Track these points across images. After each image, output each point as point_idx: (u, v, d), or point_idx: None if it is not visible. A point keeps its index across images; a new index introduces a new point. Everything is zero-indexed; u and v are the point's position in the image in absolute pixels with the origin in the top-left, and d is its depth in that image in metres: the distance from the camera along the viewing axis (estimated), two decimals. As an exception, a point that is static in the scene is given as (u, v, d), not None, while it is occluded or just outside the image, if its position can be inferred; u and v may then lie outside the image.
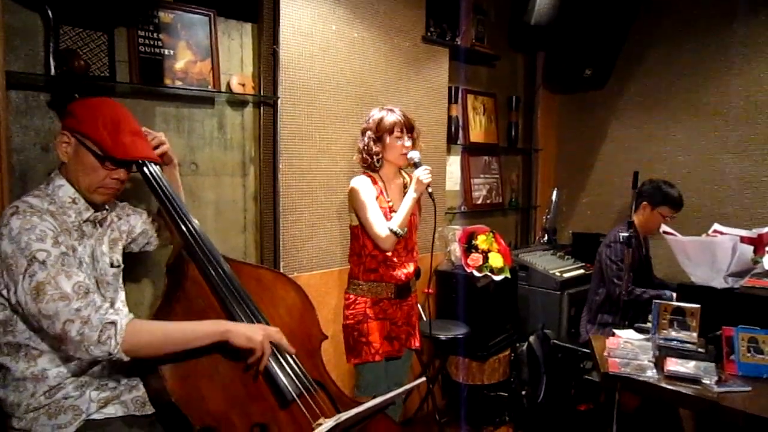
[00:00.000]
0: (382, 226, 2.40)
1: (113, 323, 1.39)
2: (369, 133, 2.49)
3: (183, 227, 1.71)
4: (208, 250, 1.69)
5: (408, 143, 2.49)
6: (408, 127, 2.49)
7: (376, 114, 2.51)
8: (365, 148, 2.50)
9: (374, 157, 2.49)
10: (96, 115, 1.54)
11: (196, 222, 1.75)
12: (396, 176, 2.61)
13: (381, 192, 2.51)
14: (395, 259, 2.51)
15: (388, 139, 2.47)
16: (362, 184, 2.45)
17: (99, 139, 1.52)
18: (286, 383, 1.63)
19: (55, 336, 1.40)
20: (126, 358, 1.41)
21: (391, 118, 2.47)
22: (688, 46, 3.74)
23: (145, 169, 1.73)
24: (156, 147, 1.78)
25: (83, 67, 1.69)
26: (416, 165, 2.45)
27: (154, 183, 1.73)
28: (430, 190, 2.43)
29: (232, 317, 1.64)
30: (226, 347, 1.55)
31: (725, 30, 3.58)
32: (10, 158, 1.92)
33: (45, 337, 1.49)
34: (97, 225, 1.68)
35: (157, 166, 1.76)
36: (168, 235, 1.96)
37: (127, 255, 1.85)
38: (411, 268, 2.59)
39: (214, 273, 1.66)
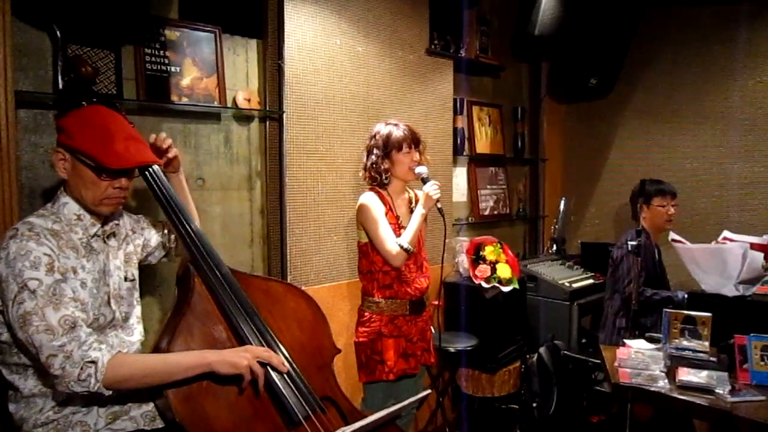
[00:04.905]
0: (392, 243, 2.39)
1: (93, 362, 1.38)
2: (376, 150, 2.48)
3: (182, 229, 1.71)
4: (208, 255, 1.69)
5: (416, 157, 2.48)
6: (415, 141, 2.49)
7: (382, 130, 2.50)
8: (373, 166, 2.48)
9: (383, 174, 2.48)
10: (85, 127, 1.51)
11: (195, 224, 1.74)
12: (402, 191, 2.60)
13: (390, 208, 2.50)
14: (408, 275, 2.50)
15: (396, 155, 2.47)
16: (371, 201, 2.45)
17: (91, 152, 1.49)
18: (293, 404, 1.58)
19: (42, 364, 1.40)
20: (107, 393, 1.42)
21: (398, 133, 2.46)
22: (693, 53, 3.74)
23: (145, 171, 1.74)
24: (167, 149, 1.79)
25: (91, 73, 1.67)
26: (424, 180, 2.44)
27: (154, 184, 1.73)
28: (439, 205, 2.42)
29: (237, 332, 1.63)
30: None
31: (729, 36, 3.57)
32: (19, 176, 1.94)
33: None
34: (107, 239, 1.67)
35: (159, 170, 1.77)
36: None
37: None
38: (424, 283, 2.57)
39: (218, 286, 1.66)
